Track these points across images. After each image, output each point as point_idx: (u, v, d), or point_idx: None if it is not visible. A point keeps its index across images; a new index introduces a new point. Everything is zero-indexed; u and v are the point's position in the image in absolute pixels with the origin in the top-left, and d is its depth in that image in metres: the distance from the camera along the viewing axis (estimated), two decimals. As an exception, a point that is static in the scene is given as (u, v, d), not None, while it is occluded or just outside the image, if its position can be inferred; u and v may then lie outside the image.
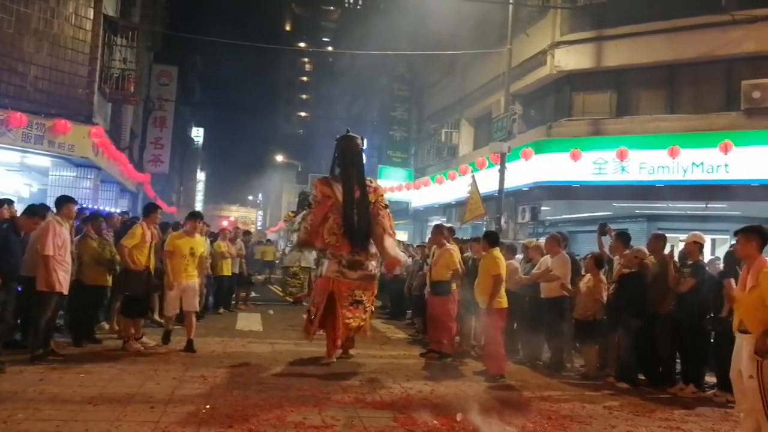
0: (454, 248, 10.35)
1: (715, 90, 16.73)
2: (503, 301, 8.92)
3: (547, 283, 9.69)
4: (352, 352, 9.73)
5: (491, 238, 9.48)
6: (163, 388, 6.91)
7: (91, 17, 15.96)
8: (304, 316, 9.84)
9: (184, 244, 9.45)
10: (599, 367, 9.30)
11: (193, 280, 9.55)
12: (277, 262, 31.55)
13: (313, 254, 10.99)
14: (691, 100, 17.05)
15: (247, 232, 18.49)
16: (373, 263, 9.44)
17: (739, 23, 15.45)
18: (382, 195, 9.72)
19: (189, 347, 9.24)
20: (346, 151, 9.48)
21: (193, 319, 9.58)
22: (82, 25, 15.80)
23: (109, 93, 17.91)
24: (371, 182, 9.87)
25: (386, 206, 9.61)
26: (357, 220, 9.08)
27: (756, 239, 5.83)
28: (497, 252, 9.10)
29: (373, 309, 10.04)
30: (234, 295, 15.47)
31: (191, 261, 9.47)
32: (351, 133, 9.75)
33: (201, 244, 10.06)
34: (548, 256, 9.94)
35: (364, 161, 9.74)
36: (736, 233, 6.13)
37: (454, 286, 10.15)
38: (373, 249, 9.31)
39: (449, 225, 14.64)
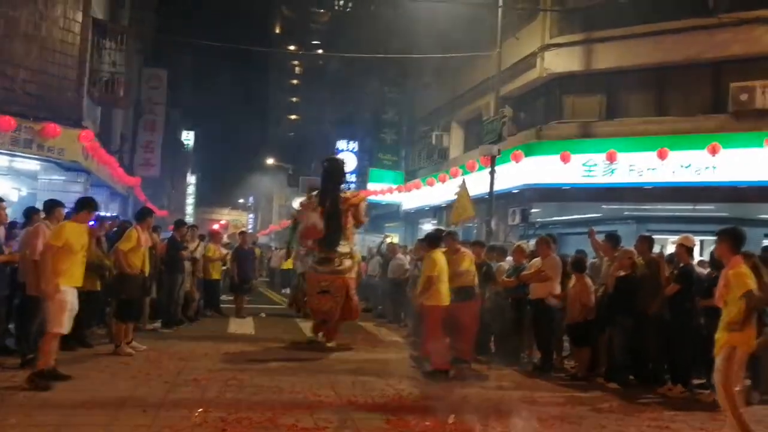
0: (468, 251, 10.25)
1: (703, 92, 16.85)
2: (439, 299, 9.07)
3: (538, 283, 9.74)
4: (331, 344, 10.90)
5: (430, 240, 9.75)
6: (156, 392, 6.92)
7: (80, 20, 15.87)
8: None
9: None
10: (589, 368, 9.37)
11: None
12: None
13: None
14: (679, 102, 17.15)
15: (242, 233, 17.81)
16: (347, 262, 10.98)
17: (726, 26, 15.57)
18: (355, 204, 11.37)
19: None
20: (324, 170, 11.54)
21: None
22: (70, 28, 15.71)
23: (99, 96, 17.84)
24: (345, 193, 11.72)
25: (366, 215, 11.77)
26: (326, 226, 10.81)
27: (728, 240, 5.99)
28: (434, 253, 9.30)
29: (355, 300, 11.17)
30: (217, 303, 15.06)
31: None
32: (332, 156, 12.42)
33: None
34: (539, 258, 9.98)
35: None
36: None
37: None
38: (345, 249, 10.99)
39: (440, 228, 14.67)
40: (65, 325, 7.11)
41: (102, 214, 13.45)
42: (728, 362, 5.62)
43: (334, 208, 11.02)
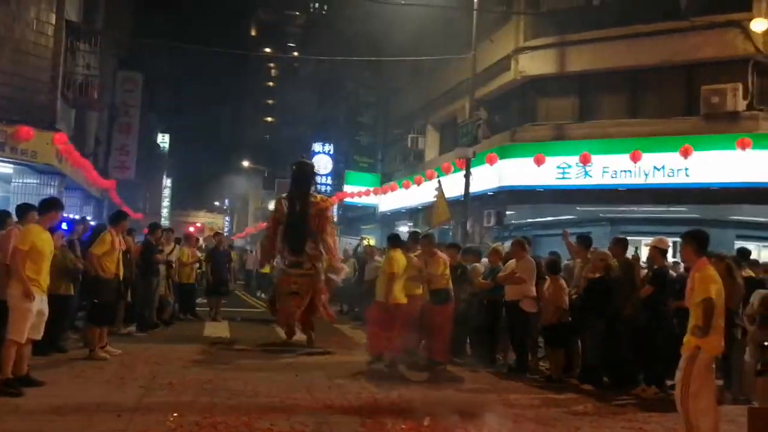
0: (444, 256, 10.31)
1: (675, 95, 17.06)
2: (397, 297, 9.59)
3: (512, 285, 9.81)
4: (296, 338, 11.38)
5: (392, 240, 10.34)
6: (130, 397, 6.87)
7: (54, 22, 15.72)
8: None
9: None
10: (564, 370, 9.45)
11: None
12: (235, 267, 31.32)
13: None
14: (652, 104, 17.36)
15: (216, 234, 17.52)
16: (317, 264, 11.28)
17: (698, 29, 15.78)
18: (326, 208, 11.65)
19: None
20: (294, 173, 11.77)
21: None
22: (44, 30, 15.55)
23: (73, 99, 17.65)
24: (315, 197, 11.70)
25: (334, 222, 12.45)
26: (296, 230, 11.14)
27: (691, 243, 6.01)
28: (394, 252, 9.87)
29: (323, 301, 11.42)
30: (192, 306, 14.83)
31: None
32: (301, 159, 12.54)
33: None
34: (514, 260, 10.05)
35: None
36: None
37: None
38: (315, 252, 11.23)
39: (415, 230, 14.72)
40: (25, 335, 6.94)
41: (72, 216, 13.34)
42: (690, 363, 5.63)
43: (302, 212, 11.24)
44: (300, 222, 11.20)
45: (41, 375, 7.44)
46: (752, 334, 6.99)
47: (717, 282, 5.77)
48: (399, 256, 9.84)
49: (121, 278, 9.60)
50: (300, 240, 11.17)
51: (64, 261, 9.29)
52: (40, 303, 7.13)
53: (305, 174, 11.87)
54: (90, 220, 15.17)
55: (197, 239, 15.21)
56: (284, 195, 11.84)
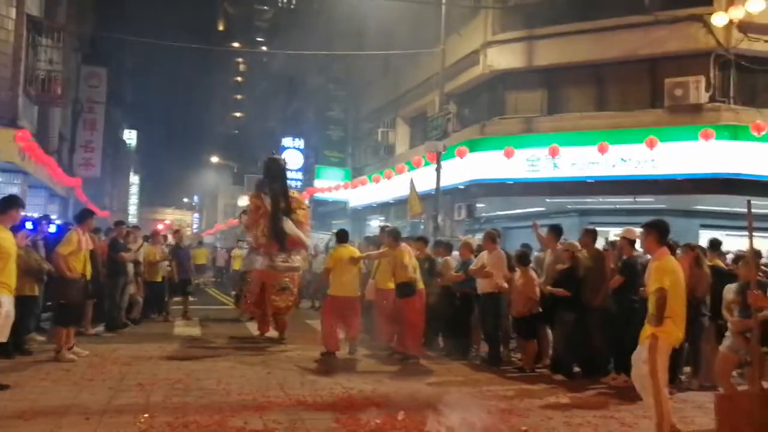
0: (407, 247, 10.33)
1: (640, 88, 17.29)
2: (332, 290, 10.13)
3: (483, 278, 9.86)
4: (268, 334, 11.64)
5: (338, 236, 10.87)
6: (99, 398, 6.75)
7: (14, 17, 15.43)
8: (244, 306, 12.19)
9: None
10: (535, 360, 9.52)
11: None
12: (207, 265, 31.05)
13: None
14: (618, 97, 17.57)
15: (176, 231, 16.91)
16: (298, 257, 11.80)
17: (662, 23, 16.04)
18: (303, 205, 12.21)
19: None
20: (272, 170, 11.80)
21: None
22: (3, 25, 15.26)
23: (35, 95, 17.35)
24: (293, 194, 12.21)
25: (308, 206, 12.46)
26: (281, 225, 11.23)
27: (653, 233, 6.11)
28: (337, 248, 10.43)
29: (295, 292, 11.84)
30: (165, 303, 14.49)
31: None
32: (275, 156, 12.59)
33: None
34: (485, 252, 10.10)
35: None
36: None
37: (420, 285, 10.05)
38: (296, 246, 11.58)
39: (385, 224, 14.73)
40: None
41: (35, 215, 13.07)
42: (651, 353, 5.72)
43: (287, 208, 11.47)
44: (286, 218, 11.36)
45: (6, 378, 7.32)
46: (735, 324, 7.06)
47: (674, 272, 5.86)
48: (341, 252, 10.25)
49: (88, 278, 9.43)
50: (286, 236, 11.27)
51: (29, 261, 9.11)
52: (8, 305, 6.98)
53: (282, 170, 12.06)
54: (55, 219, 14.89)
55: (165, 237, 14.93)
56: (264, 191, 11.71)
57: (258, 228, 11.48)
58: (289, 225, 11.38)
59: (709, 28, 15.52)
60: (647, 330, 5.81)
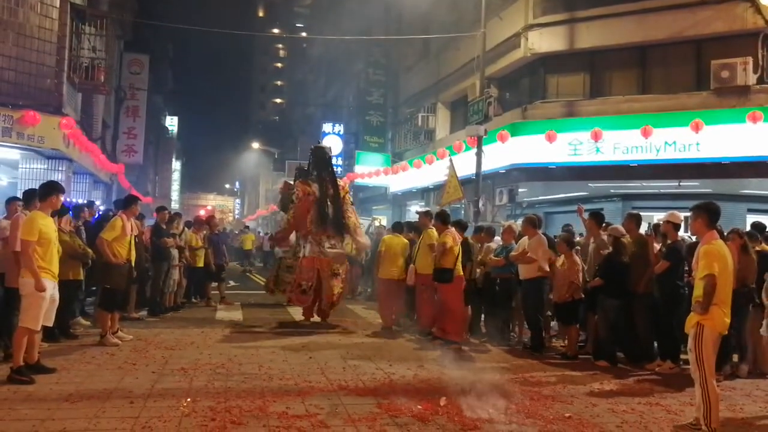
0: (453, 232, 10.29)
1: (685, 70, 16.86)
2: (384, 273, 11.39)
3: (524, 264, 9.75)
4: (327, 320, 11.73)
5: (394, 226, 12.10)
6: (143, 383, 6.84)
7: (58, 5, 15.60)
8: (289, 295, 11.55)
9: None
10: (579, 347, 9.40)
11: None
12: (254, 251, 31.39)
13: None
14: (662, 80, 17.16)
15: (211, 217, 16.69)
16: (347, 245, 12.19)
17: (707, 3, 15.63)
18: (348, 192, 12.39)
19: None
20: (319, 159, 12.06)
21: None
22: (48, 13, 15.45)
23: (79, 83, 17.56)
24: (339, 181, 12.38)
25: (352, 203, 12.63)
26: (332, 211, 11.54)
27: (702, 216, 5.92)
28: (386, 237, 11.78)
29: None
30: (206, 288, 14.65)
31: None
32: (321, 144, 13.06)
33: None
34: (525, 238, 9.98)
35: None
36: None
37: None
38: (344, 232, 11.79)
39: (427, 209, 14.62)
40: (39, 321, 6.93)
41: (79, 201, 13.25)
42: (697, 341, 5.58)
43: (336, 195, 11.75)
44: (336, 204, 11.65)
45: (52, 362, 7.44)
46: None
47: (724, 257, 5.70)
48: (390, 240, 11.65)
49: (133, 263, 9.55)
50: (337, 222, 11.56)
51: (73, 246, 9.25)
52: (52, 290, 7.10)
53: (329, 158, 12.41)
54: (99, 205, 15.11)
55: (207, 222, 15.02)
56: (311, 177, 11.85)
57: (308, 215, 11.40)
58: (360, 232, 12.19)
59: (757, 8, 15.05)
60: (693, 318, 5.67)
